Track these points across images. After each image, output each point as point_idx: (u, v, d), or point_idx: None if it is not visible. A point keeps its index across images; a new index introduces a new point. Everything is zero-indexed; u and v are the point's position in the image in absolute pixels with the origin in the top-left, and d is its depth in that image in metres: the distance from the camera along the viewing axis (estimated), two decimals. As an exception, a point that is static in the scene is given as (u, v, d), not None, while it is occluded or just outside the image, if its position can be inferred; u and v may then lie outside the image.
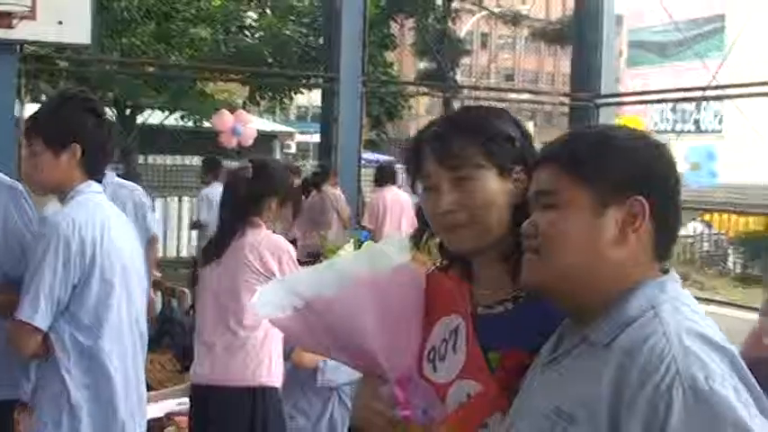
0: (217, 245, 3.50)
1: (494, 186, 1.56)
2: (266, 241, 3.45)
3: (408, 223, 9.28)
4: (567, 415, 1.23)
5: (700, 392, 1.12)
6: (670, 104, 23.67)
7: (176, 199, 13.99)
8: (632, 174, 1.31)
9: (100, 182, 2.69)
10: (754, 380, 1.19)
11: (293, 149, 39.28)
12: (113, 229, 2.61)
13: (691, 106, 23.12)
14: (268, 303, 1.75)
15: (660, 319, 1.23)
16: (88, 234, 2.52)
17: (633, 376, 1.17)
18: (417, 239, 1.70)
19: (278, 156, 24.66)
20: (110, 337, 2.56)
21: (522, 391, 1.42)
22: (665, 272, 1.34)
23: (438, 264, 1.70)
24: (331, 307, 1.61)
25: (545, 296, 1.38)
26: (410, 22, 20.34)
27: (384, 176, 9.51)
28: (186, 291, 6.27)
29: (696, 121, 23.90)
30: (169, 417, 3.94)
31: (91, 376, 2.55)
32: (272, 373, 3.45)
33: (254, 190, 3.47)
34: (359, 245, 1.84)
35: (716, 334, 1.24)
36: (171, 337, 5.73)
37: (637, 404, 1.15)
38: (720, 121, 24.65)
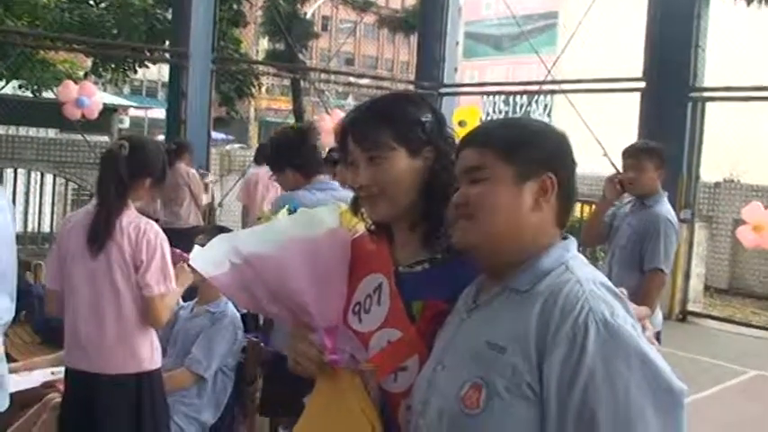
0: (99, 227, 3.34)
1: (403, 165, 1.80)
2: (136, 224, 3.39)
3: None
4: (499, 347, 1.49)
5: (609, 325, 1.41)
6: (503, 96, 24.83)
7: (11, 171, 13.36)
8: (545, 156, 1.61)
9: None
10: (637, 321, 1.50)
11: (126, 124, 38.07)
12: None
13: (524, 99, 24.20)
14: (206, 260, 1.91)
15: (571, 271, 1.53)
16: None
17: (556, 313, 1.45)
18: (356, 207, 1.92)
19: (115, 130, 23.83)
20: None
21: (447, 334, 1.65)
22: (565, 237, 1.64)
23: (368, 227, 1.93)
24: (268, 263, 1.80)
25: (473, 254, 1.63)
26: (260, 1, 20.26)
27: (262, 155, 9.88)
28: (42, 264, 6.15)
29: (527, 113, 25.14)
30: (45, 385, 3.93)
31: None
32: (153, 358, 3.47)
33: (132, 169, 3.38)
34: (291, 213, 2.03)
35: (611, 283, 1.54)
36: (29, 310, 5.62)
37: (560, 334, 1.42)
38: (549, 114, 26.09)
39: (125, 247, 3.34)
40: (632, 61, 10.89)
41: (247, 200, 9.27)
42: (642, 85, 10.18)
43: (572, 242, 1.62)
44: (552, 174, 1.58)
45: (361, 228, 1.96)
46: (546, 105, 26.62)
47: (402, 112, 1.83)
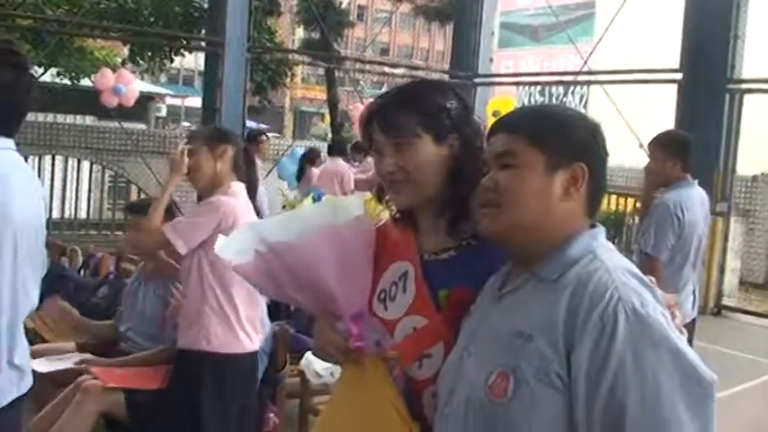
0: None
1: (429, 152, 1.80)
2: None
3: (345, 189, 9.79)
4: (527, 335, 1.48)
5: (639, 315, 1.40)
6: (539, 87, 24.63)
7: (50, 158, 13.54)
8: (578, 145, 1.59)
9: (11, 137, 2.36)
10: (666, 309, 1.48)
11: (164, 113, 38.42)
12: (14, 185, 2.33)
13: (559, 89, 24.00)
14: (232, 249, 1.92)
15: (600, 260, 1.52)
16: None
17: (585, 302, 1.44)
18: (380, 195, 1.92)
19: (152, 119, 24.10)
20: None
21: (473, 322, 1.65)
22: (593, 226, 1.62)
23: (393, 215, 1.93)
24: (294, 250, 1.81)
25: (499, 242, 1.62)
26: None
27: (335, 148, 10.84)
28: (78, 249, 6.24)
29: (563, 104, 24.84)
30: (80, 363, 3.98)
31: None
32: None
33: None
34: (315, 201, 2.04)
35: (641, 272, 1.53)
36: (63, 295, 5.67)
37: (589, 323, 1.41)
38: (585, 105, 25.82)
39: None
40: (670, 52, 10.74)
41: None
42: (679, 76, 10.02)
43: (600, 231, 1.61)
44: (584, 163, 1.57)
45: (385, 216, 1.96)
46: (582, 96, 26.36)
47: (427, 99, 1.83)
